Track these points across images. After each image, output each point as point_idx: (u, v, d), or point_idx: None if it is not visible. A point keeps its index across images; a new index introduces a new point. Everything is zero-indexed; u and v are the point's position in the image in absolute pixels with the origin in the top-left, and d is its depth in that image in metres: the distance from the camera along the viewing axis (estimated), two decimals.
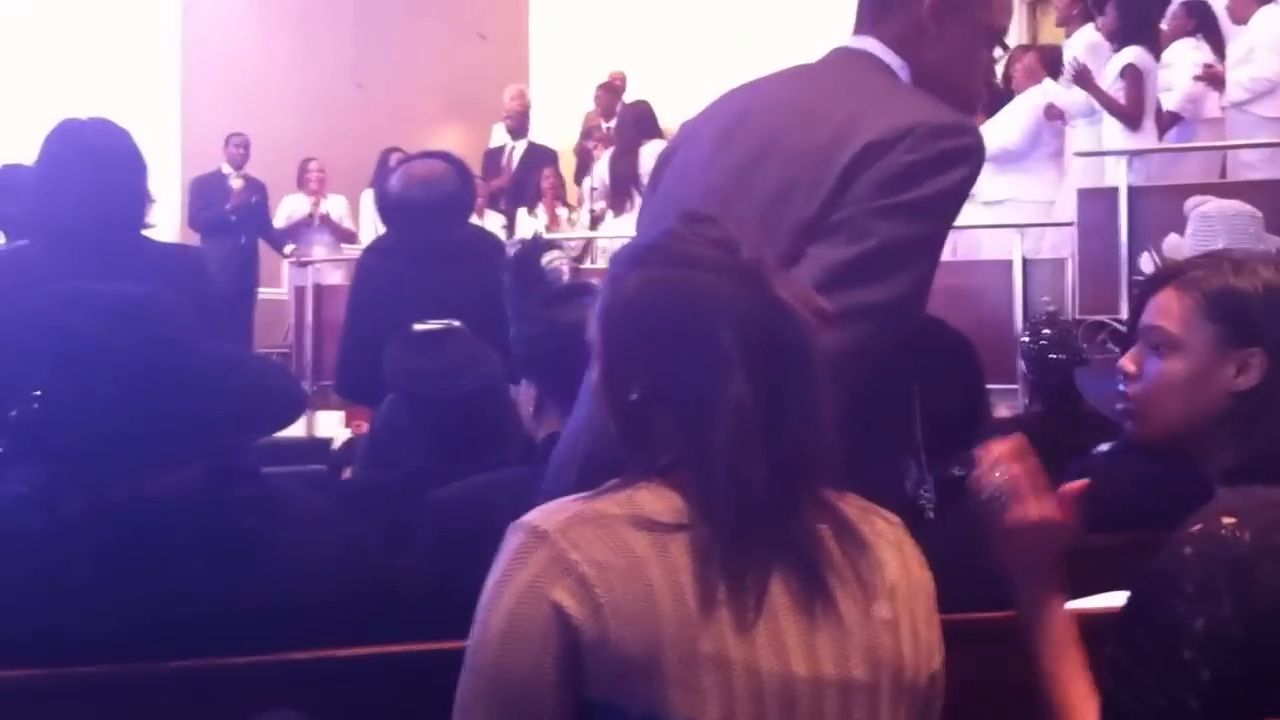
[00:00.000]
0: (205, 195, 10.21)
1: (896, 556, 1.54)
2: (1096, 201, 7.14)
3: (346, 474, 3.69)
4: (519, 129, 11.24)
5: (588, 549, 1.40)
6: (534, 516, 1.45)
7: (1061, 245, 7.50)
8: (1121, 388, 1.88)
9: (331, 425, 8.11)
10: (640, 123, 9.75)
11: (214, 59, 10.99)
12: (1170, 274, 1.89)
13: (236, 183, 10.21)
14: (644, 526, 1.41)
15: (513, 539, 1.44)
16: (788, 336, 1.45)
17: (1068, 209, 7.47)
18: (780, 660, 1.41)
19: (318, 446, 6.35)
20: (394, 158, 10.27)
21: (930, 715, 1.56)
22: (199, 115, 10.86)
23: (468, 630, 1.47)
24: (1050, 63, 8.29)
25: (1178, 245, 5.74)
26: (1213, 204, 4.69)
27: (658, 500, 1.44)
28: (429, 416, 2.90)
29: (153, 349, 1.89)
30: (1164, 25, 8.02)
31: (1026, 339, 4.26)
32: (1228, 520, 1.66)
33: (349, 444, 5.05)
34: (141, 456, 1.84)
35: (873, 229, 1.82)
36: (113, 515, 1.80)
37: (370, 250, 4.34)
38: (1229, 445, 1.78)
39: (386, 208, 4.12)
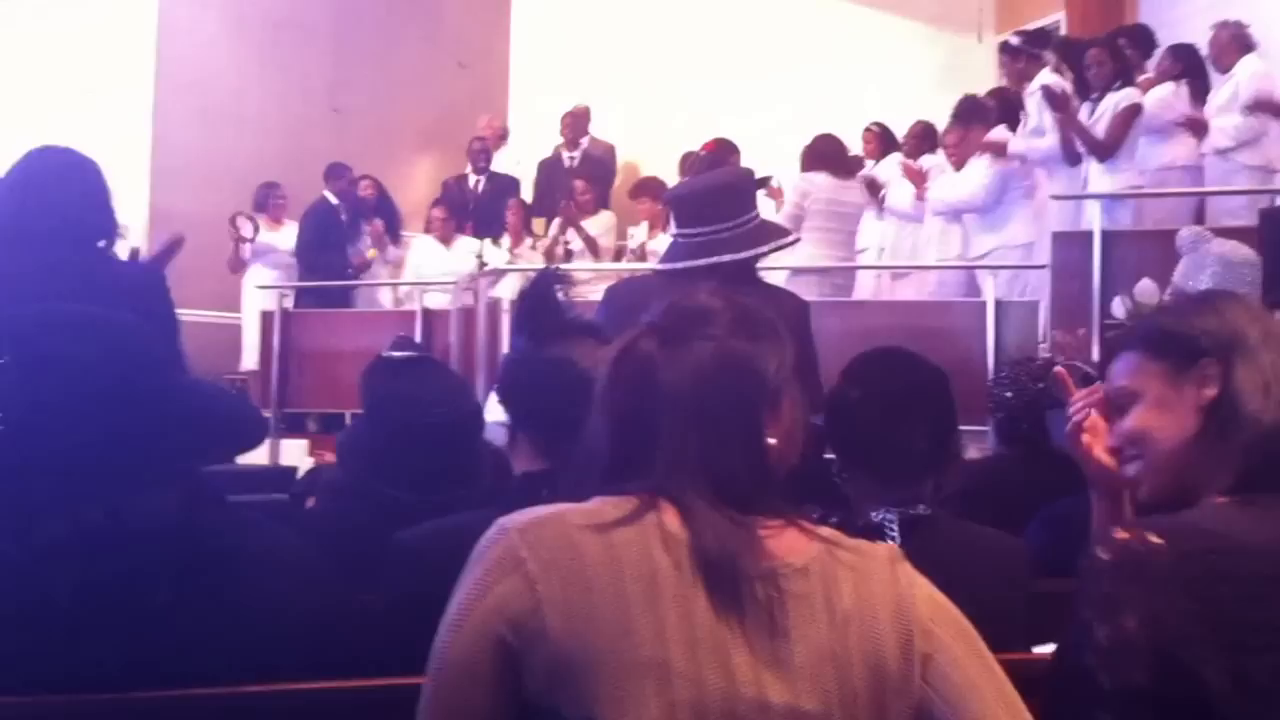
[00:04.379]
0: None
1: (855, 586, 1.53)
2: (1070, 245, 7.15)
3: (310, 503, 3.62)
4: (483, 164, 11.22)
5: (539, 549, 1.46)
6: (511, 515, 1.52)
7: (1040, 287, 7.47)
8: (1128, 470, 1.98)
9: (295, 454, 8.07)
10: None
11: (187, 81, 10.92)
12: (1117, 344, 2.04)
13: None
14: (601, 530, 1.47)
15: (488, 533, 1.51)
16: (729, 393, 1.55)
17: (1046, 251, 7.46)
18: (726, 679, 1.42)
19: (281, 475, 6.30)
20: (364, 184, 10.31)
21: None
22: (171, 137, 10.79)
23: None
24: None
25: (1150, 290, 5.72)
26: (1218, 243, 4.66)
27: (617, 509, 1.50)
28: (399, 442, 2.85)
29: (125, 370, 1.88)
30: (1149, 72, 8.06)
31: (995, 381, 4.20)
32: (1153, 538, 1.68)
33: (313, 473, 5.01)
34: (116, 480, 1.82)
35: None
36: (88, 540, 1.77)
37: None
38: (1217, 466, 1.82)
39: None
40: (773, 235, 3.64)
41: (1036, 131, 7.84)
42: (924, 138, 8.89)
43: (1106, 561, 1.68)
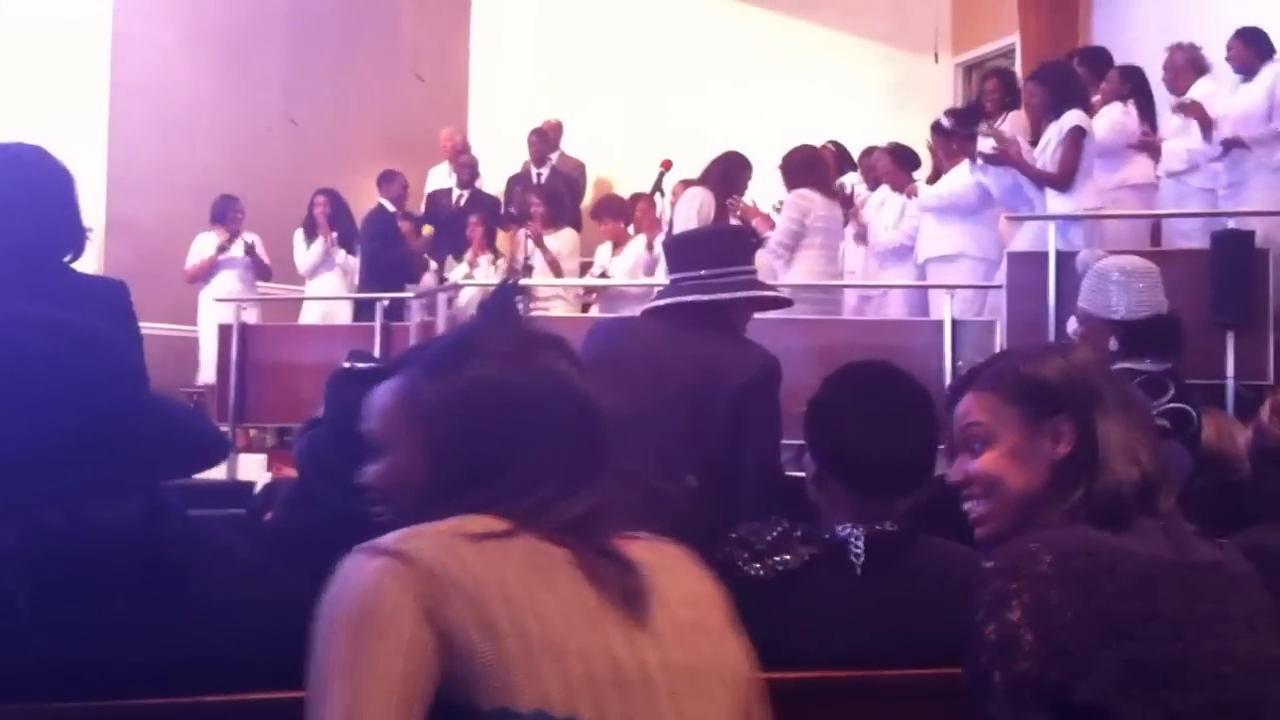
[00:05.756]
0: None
1: (690, 572, 1.68)
2: (1026, 265, 7.17)
3: (268, 518, 3.61)
4: (468, 178, 11.21)
5: (424, 553, 1.49)
6: (369, 542, 1.53)
7: (997, 307, 7.50)
8: (969, 509, 1.99)
9: (253, 469, 8.03)
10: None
11: (143, 91, 10.85)
12: (967, 380, 2.05)
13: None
14: (471, 539, 1.52)
15: (349, 560, 1.52)
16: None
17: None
18: (605, 649, 1.52)
19: (239, 490, 6.28)
20: (317, 200, 10.26)
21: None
22: (126, 147, 10.71)
23: None
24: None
25: (1089, 259, 5.73)
26: (1114, 259, 4.73)
27: (478, 524, 1.55)
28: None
29: (95, 374, 1.85)
30: (1097, 94, 8.13)
31: (948, 400, 4.23)
32: (1033, 545, 1.74)
33: (270, 487, 4.99)
34: (78, 484, 1.79)
35: None
36: (46, 544, 1.74)
37: None
38: (1062, 516, 1.86)
39: None
40: (757, 288, 3.67)
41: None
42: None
43: (992, 568, 1.74)
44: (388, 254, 10.17)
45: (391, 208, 10.47)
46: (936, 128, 8.22)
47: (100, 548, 1.78)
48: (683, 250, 3.77)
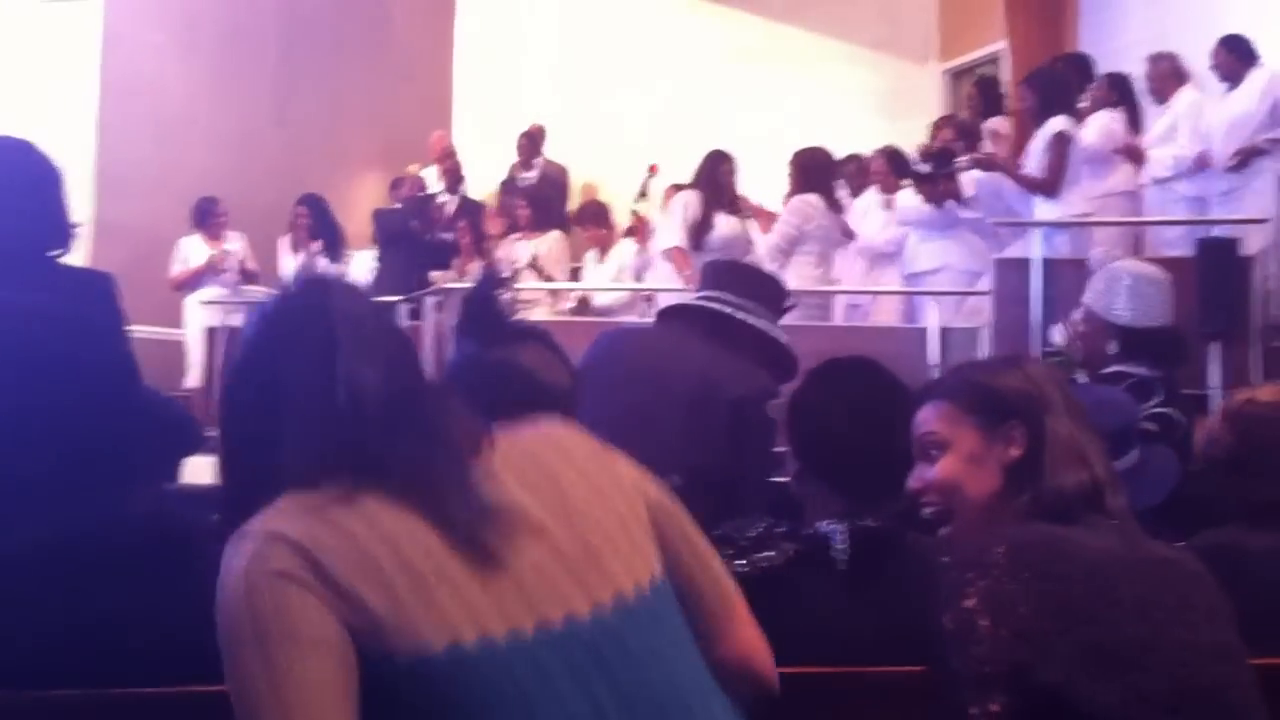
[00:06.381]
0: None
1: (579, 448, 1.69)
2: (1011, 271, 7.19)
3: None
4: (454, 183, 11.20)
5: (291, 524, 1.47)
6: (236, 533, 1.51)
7: (983, 313, 7.53)
8: (925, 510, 2.10)
9: None
10: None
11: (133, 91, 10.83)
12: (925, 392, 2.17)
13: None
14: (335, 502, 1.50)
15: (225, 557, 1.49)
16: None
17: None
18: (487, 573, 1.50)
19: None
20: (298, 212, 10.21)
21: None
22: (116, 148, 10.69)
23: None
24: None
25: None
26: (1131, 262, 4.74)
27: (305, 495, 1.51)
28: None
29: (90, 365, 1.87)
30: (1085, 100, 8.16)
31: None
32: (987, 539, 1.82)
33: None
34: (86, 475, 1.81)
35: None
36: (51, 538, 1.76)
37: None
38: (1012, 518, 1.95)
39: None
40: (767, 318, 3.68)
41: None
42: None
43: (948, 562, 1.82)
44: (397, 253, 10.09)
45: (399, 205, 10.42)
46: (917, 177, 8.24)
47: (112, 536, 1.79)
48: (717, 273, 3.78)
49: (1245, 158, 7.54)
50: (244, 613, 1.44)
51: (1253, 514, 2.63)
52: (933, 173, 8.05)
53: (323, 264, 10.11)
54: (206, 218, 10.05)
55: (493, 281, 2.56)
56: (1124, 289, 4.26)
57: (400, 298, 8.62)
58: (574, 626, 1.52)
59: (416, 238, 10.22)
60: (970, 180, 7.86)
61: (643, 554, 1.64)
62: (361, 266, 10.34)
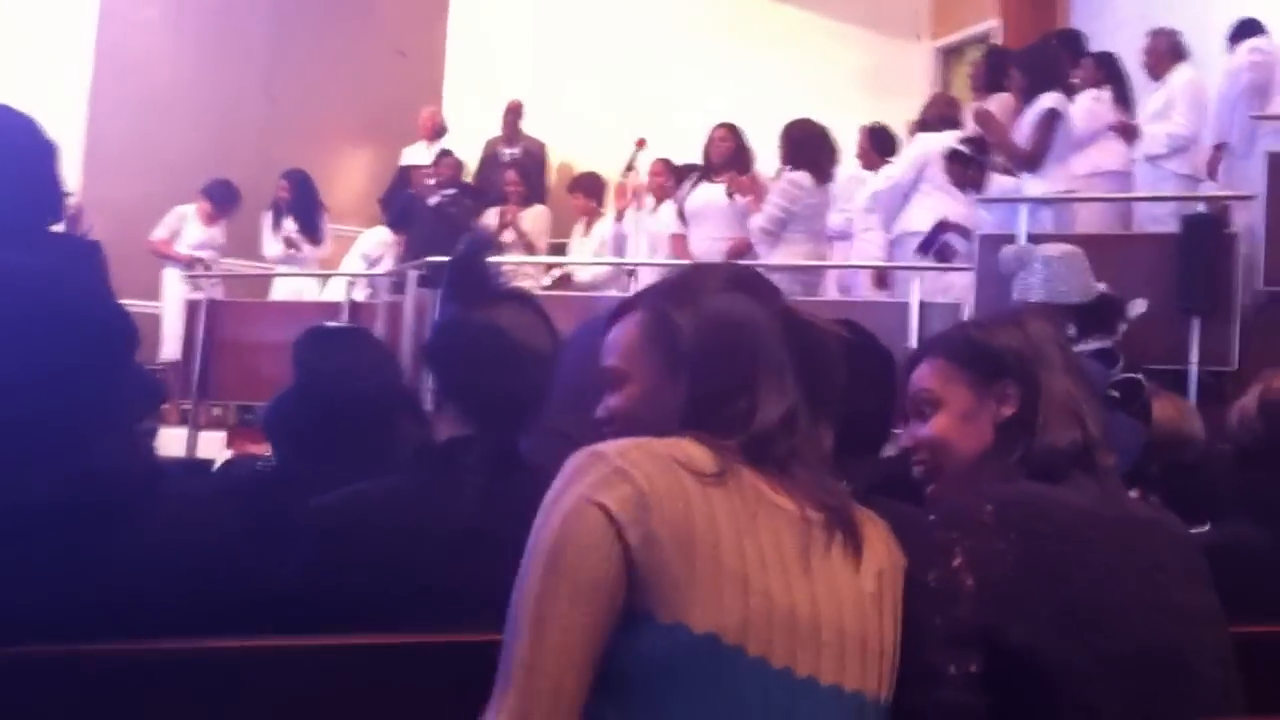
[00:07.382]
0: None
1: (884, 546, 1.72)
2: (995, 248, 7.11)
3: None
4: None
5: (642, 466, 1.56)
6: (594, 445, 1.61)
7: (965, 288, 7.46)
8: (915, 469, 2.08)
9: (213, 446, 8.00)
10: None
11: (124, 67, 10.82)
12: (921, 350, 2.14)
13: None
14: (687, 468, 1.58)
15: (571, 462, 1.59)
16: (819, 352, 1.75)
17: None
18: (787, 594, 1.57)
19: (198, 467, 6.26)
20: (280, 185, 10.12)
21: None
22: (105, 123, 10.68)
23: (346, 630, 1.66)
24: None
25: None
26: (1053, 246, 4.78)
27: (696, 448, 1.62)
28: (324, 413, 2.86)
29: (97, 322, 1.90)
30: (1075, 78, 8.10)
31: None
32: (973, 497, 1.81)
33: (229, 465, 5.02)
34: (88, 429, 1.84)
35: None
36: (40, 489, 1.77)
37: None
38: (1003, 475, 1.92)
39: None
40: None
41: None
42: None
43: (933, 520, 1.80)
44: (420, 228, 9.99)
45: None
46: (956, 155, 8.13)
47: (93, 491, 1.80)
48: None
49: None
50: (553, 531, 1.54)
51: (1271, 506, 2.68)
52: (973, 156, 7.98)
53: (299, 241, 10.05)
54: (225, 204, 10.04)
55: (479, 244, 2.57)
56: (1068, 271, 4.30)
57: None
58: (835, 691, 1.60)
59: (431, 210, 10.11)
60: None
61: (891, 669, 1.69)
62: (371, 242, 10.30)
